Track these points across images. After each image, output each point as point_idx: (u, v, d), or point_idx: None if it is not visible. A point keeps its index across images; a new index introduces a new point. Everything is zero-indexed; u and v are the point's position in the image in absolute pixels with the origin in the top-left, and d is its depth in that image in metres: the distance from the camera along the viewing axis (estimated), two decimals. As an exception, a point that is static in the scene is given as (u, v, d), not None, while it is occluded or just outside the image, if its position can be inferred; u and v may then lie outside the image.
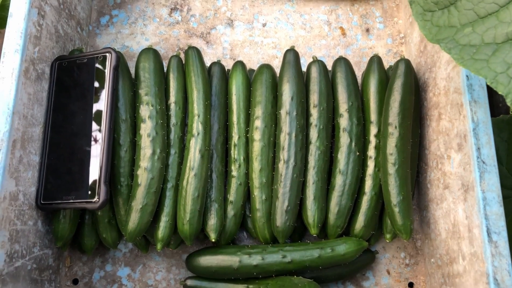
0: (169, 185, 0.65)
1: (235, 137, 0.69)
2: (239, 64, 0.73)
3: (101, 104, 0.62)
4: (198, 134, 0.66)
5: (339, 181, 0.66)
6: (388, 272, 0.71)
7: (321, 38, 0.81)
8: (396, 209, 0.63)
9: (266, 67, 0.72)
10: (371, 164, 0.68)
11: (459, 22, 0.49)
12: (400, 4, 0.83)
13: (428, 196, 0.68)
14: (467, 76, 0.57)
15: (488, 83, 0.46)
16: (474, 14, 0.48)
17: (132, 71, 0.71)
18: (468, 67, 0.46)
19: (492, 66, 0.46)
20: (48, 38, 0.65)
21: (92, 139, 0.62)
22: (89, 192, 0.60)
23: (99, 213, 0.64)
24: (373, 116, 0.69)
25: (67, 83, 0.65)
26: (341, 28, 0.82)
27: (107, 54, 0.63)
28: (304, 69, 0.75)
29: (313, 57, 0.72)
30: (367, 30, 0.82)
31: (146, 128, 0.64)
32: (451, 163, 0.60)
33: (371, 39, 0.81)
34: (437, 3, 0.47)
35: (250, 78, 0.73)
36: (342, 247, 0.64)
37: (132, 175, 0.65)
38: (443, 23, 0.47)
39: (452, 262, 0.60)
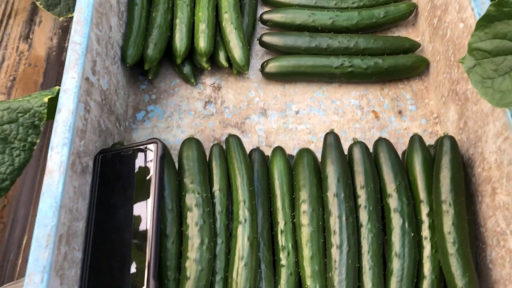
0: (218, 277, 0.61)
1: (281, 223, 0.66)
2: (279, 149, 0.73)
3: (148, 195, 0.61)
4: (245, 221, 0.63)
5: (397, 265, 0.62)
6: None
7: (355, 122, 0.82)
8: (464, 293, 0.58)
9: (306, 151, 0.71)
10: (427, 246, 0.64)
11: (523, 85, 0.49)
12: (429, 86, 0.85)
13: (492, 277, 0.64)
14: (521, 146, 0.57)
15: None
16: (535, 78, 0.48)
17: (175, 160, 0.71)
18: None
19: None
20: (92, 132, 0.66)
21: (138, 232, 0.59)
22: (137, 288, 0.56)
23: (143, 312, 0.60)
24: (422, 195, 0.67)
25: (111, 176, 0.64)
26: (373, 111, 0.83)
27: (153, 145, 0.63)
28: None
29: (353, 139, 0.72)
30: (400, 112, 0.83)
31: (193, 217, 0.62)
32: (517, 239, 0.57)
33: (404, 120, 0.82)
34: (496, 70, 0.48)
35: (290, 162, 0.72)
36: None
37: (179, 268, 0.61)
38: (506, 88, 0.47)
39: None
